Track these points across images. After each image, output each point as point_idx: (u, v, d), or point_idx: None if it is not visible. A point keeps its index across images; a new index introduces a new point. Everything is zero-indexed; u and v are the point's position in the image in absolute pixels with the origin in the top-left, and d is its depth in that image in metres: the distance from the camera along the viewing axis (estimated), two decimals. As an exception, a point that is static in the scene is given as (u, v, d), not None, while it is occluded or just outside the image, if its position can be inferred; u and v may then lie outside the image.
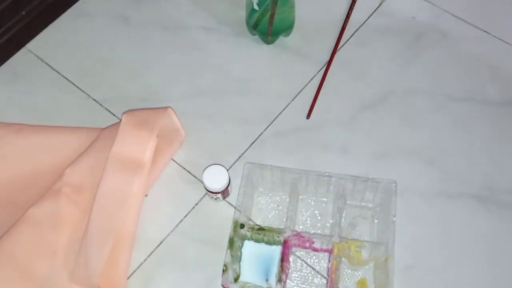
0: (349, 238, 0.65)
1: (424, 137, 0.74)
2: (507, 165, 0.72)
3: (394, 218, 0.63)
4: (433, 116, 0.76)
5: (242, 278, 0.65)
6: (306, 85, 0.79)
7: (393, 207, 0.64)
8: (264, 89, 0.79)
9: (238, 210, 0.65)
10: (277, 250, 0.66)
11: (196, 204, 0.71)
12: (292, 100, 0.78)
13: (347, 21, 0.73)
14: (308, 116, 0.76)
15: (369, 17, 0.85)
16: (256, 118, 0.77)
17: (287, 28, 0.81)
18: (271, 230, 0.65)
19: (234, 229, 0.64)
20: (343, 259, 0.65)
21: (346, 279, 0.65)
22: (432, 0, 0.86)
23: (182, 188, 0.72)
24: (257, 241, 0.66)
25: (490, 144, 0.74)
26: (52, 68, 0.82)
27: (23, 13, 0.81)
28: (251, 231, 0.65)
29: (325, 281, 0.65)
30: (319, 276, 0.66)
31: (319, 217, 0.69)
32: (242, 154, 0.74)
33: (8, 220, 0.66)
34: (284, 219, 0.68)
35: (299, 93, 0.79)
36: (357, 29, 0.84)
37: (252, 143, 0.75)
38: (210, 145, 0.75)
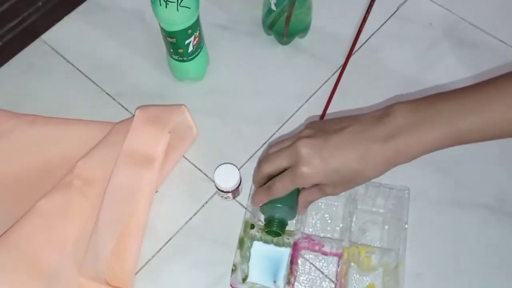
0: (359, 243, 0.65)
1: (437, 145, 0.74)
2: (520, 176, 0.72)
3: (406, 225, 0.63)
4: (447, 124, 0.75)
5: (250, 279, 0.65)
6: (320, 87, 0.79)
7: (405, 214, 0.63)
8: (277, 89, 0.79)
9: (249, 210, 0.64)
10: (286, 252, 0.65)
11: (206, 202, 0.71)
12: (306, 102, 0.78)
13: (363, 25, 0.72)
14: (321, 118, 0.76)
15: (385, 22, 0.85)
16: (268, 119, 0.76)
17: (303, 30, 0.81)
18: (281, 232, 0.65)
19: (244, 230, 0.64)
20: (352, 264, 0.65)
21: (355, 284, 0.65)
22: (449, 7, 0.86)
23: (192, 185, 0.72)
24: (266, 242, 0.66)
25: (503, 154, 0.73)
26: (67, 60, 0.82)
27: (40, 3, 0.81)
28: (261, 232, 0.65)
29: (333, 285, 0.65)
30: (327, 280, 0.66)
31: (329, 221, 0.69)
32: (254, 154, 0.74)
33: (18, 211, 0.66)
34: (294, 221, 0.68)
35: (312, 95, 0.78)
36: (373, 34, 0.84)
37: (264, 144, 0.75)
38: (222, 144, 0.75)
